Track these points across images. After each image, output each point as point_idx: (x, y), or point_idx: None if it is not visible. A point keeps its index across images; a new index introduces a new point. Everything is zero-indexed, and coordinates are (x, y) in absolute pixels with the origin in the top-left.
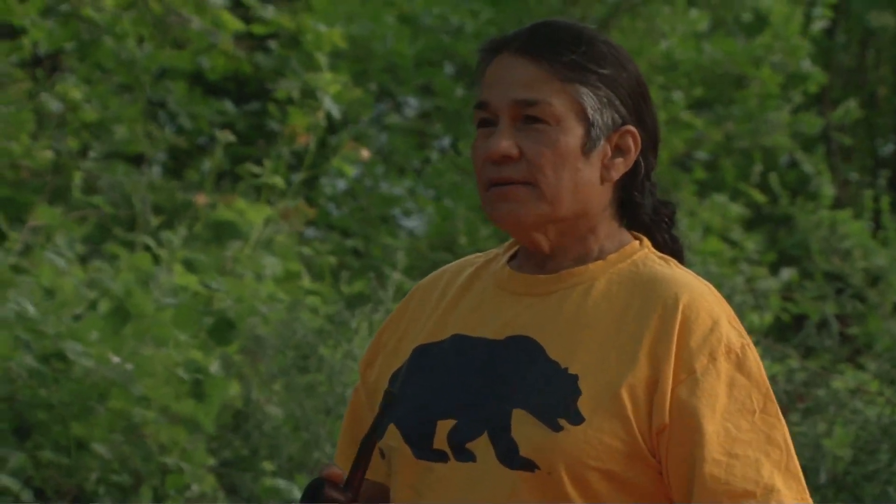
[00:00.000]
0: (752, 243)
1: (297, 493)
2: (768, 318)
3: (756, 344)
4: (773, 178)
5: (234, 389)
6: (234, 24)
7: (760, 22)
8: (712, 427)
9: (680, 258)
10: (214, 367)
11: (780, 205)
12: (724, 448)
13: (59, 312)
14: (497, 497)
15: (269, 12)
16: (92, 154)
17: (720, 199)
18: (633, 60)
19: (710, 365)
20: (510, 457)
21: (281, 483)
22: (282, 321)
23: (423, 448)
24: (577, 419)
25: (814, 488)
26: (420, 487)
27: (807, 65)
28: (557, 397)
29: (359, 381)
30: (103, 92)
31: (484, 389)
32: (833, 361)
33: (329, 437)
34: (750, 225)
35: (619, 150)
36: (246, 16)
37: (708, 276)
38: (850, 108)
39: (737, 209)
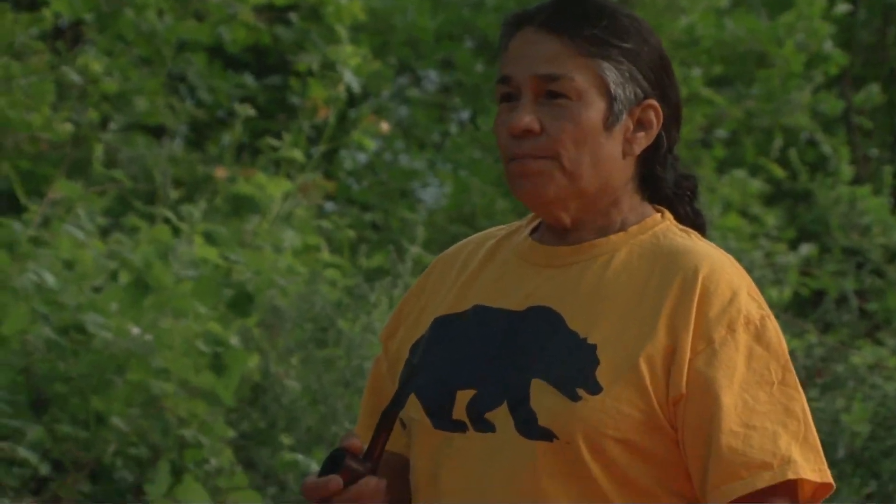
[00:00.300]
0: (771, 218)
1: (315, 467)
2: (787, 293)
3: (775, 318)
4: (793, 154)
5: (253, 362)
6: None
7: (782, 2)
8: (730, 398)
9: (702, 231)
10: (234, 339)
11: (800, 181)
12: (741, 419)
13: (79, 284)
14: (516, 467)
15: None
16: (112, 126)
17: (740, 174)
18: (655, 34)
19: (729, 336)
20: (529, 427)
21: (299, 457)
22: (300, 294)
23: (442, 418)
24: (595, 389)
25: (832, 463)
26: (438, 457)
27: (828, 46)
28: (576, 367)
29: (380, 352)
30: (124, 64)
31: (504, 360)
32: (852, 337)
33: (347, 411)
34: (769, 201)
35: (641, 124)
36: None
37: (727, 251)
38: (873, 92)
39: (756, 185)
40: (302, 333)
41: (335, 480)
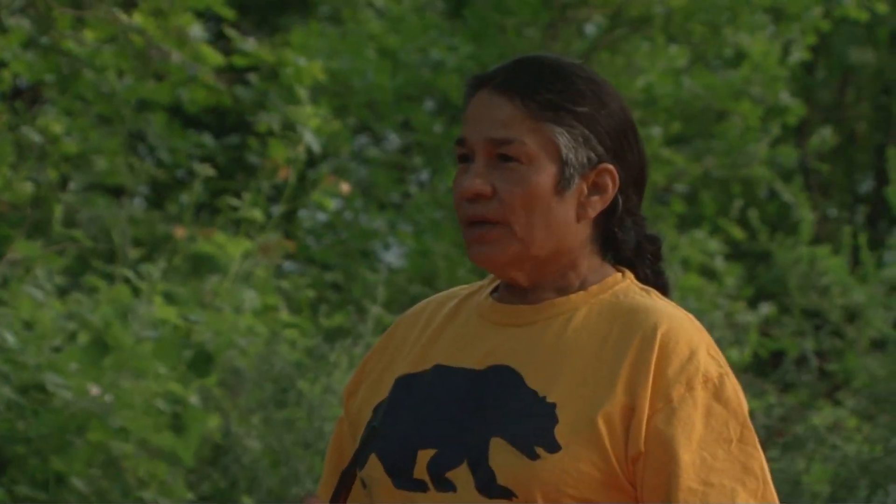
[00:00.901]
0: (731, 278)
1: None
2: (747, 353)
3: (735, 378)
4: (753, 214)
5: (214, 422)
6: (215, 57)
7: (739, 57)
8: (688, 456)
9: (665, 293)
10: (194, 399)
11: (759, 240)
12: (699, 477)
13: (39, 344)
14: None
15: (250, 45)
16: (72, 186)
17: (699, 234)
18: (618, 95)
19: (687, 394)
20: (488, 486)
21: None
22: (260, 354)
23: (403, 478)
24: (553, 447)
25: None
26: None
27: (785, 97)
28: (535, 426)
29: (342, 412)
30: (83, 124)
31: (464, 419)
32: (811, 397)
33: (308, 471)
34: (728, 259)
35: (597, 188)
36: (227, 48)
37: (688, 311)
38: (826, 136)
39: (715, 245)
40: (262, 394)
41: None
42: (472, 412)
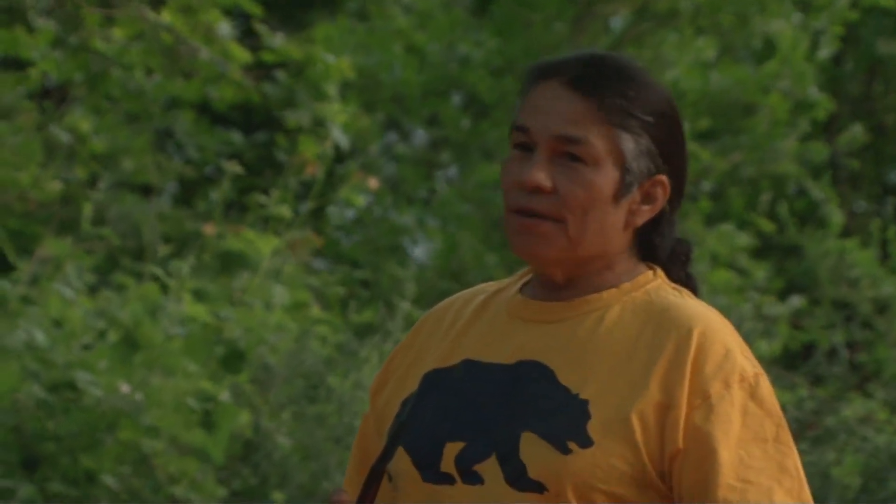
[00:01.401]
0: (760, 272)
1: None
2: (777, 345)
3: (765, 372)
4: (782, 207)
5: (244, 419)
6: (243, 54)
7: (767, 49)
8: (727, 453)
9: (695, 294)
10: (224, 396)
11: (788, 234)
12: (738, 474)
13: (68, 342)
14: None
15: (278, 41)
16: (101, 185)
17: (727, 228)
18: (675, 105)
19: (725, 391)
20: (519, 479)
21: None
22: (290, 351)
23: (430, 471)
24: (586, 442)
25: None
26: None
27: (814, 92)
28: (567, 421)
29: (368, 408)
30: (112, 123)
31: (493, 413)
32: (842, 390)
33: (338, 466)
34: (757, 254)
35: (648, 197)
36: (254, 45)
37: (716, 306)
38: (857, 133)
39: (744, 238)
40: (292, 390)
41: None
42: (502, 406)
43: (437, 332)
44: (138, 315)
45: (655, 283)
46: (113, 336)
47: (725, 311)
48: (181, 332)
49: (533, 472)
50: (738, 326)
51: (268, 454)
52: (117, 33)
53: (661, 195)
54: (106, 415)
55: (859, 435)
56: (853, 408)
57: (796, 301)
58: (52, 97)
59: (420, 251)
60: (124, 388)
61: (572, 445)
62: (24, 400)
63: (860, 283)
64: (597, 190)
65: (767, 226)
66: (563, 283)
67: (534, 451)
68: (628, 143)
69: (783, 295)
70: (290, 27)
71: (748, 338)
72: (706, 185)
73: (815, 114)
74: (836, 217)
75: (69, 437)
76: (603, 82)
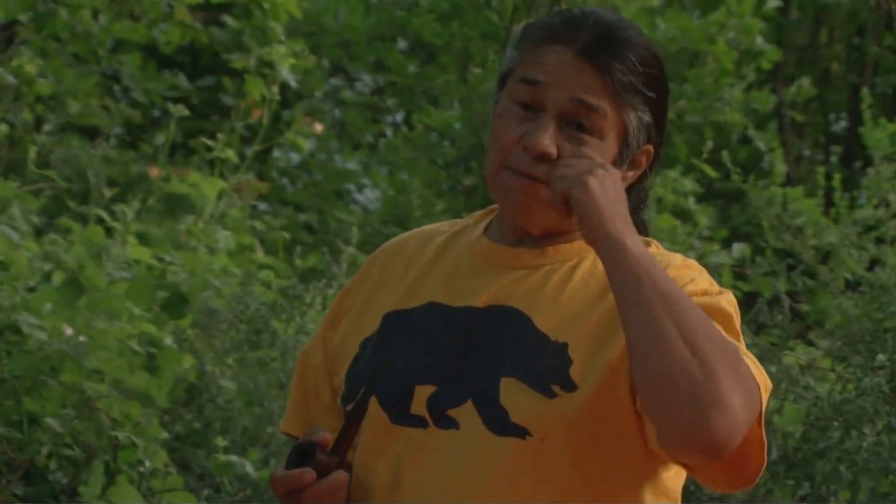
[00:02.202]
0: (704, 218)
1: (250, 469)
2: None
3: None
4: (725, 155)
5: (188, 363)
6: None
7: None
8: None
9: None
10: (168, 340)
11: (732, 181)
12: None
13: (13, 285)
14: (484, 463)
15: None
16: (46, 127)
17: (672, 174)
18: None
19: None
20: (500, 424)
21: (234, 458)
22: (235, 295)
23: (400, 414)
24: (570, 386)
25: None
26: (399, 452)
27: (760, 42)
28: (549, 366)
29: (308, 345)
30: (58, 65)
31: (466, 357)
32: (784, 338)
33: (282, 411)
34: (701, 201)
35: (634, 164)
36: None
37: None
38: (803, 85)
39: (689, 184)
40: (237, 335)
41: (309, 473)
42: (476, 351)
43: (392, 271)
44: (83, 258)
45: None
46: (57, 279)
47: None
48: (126, 276)
49: (515, 417)
50: None
51: (211, 398)
52: None
53: (645, 162)
54: (49, 358)
55: (801, 384)
56: (795, 356)
57: (739, 250)
58: None
59: (365, 197)
60: (68, 331)
61: (556, 389)
62: None
63: (804, 232)
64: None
65: (712, 172)
66: (537, 235)
67: (516, 396)
68: (633, 120)
69: (727, 243)
70: None
71: None
72: None
73: (761, 63)
74: (780, 166)
75: (12, 380)
76: (611, 56)
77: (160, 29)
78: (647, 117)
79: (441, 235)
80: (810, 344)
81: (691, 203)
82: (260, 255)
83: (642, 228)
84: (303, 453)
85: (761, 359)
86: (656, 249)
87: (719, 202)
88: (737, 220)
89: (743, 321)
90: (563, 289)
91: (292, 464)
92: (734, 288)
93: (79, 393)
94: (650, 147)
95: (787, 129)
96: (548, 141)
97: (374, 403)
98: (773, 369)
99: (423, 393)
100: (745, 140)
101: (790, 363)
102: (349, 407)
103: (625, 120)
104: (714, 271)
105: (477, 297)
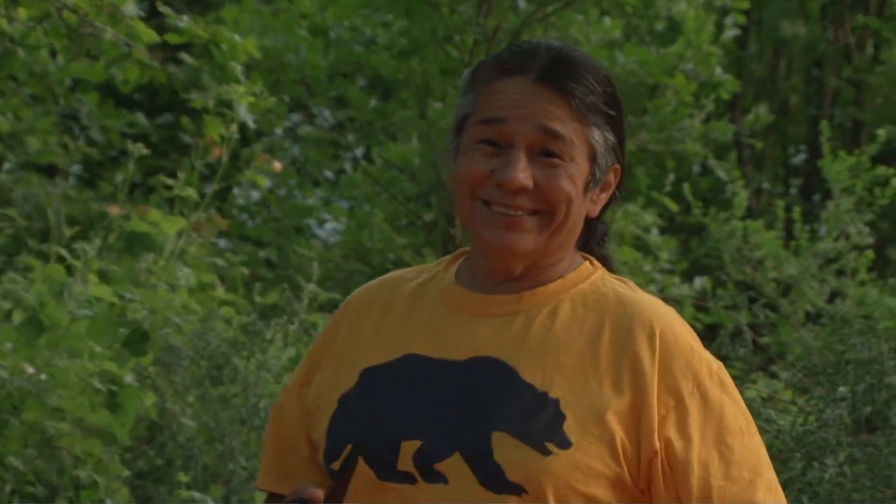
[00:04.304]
0: (665, 252)
1: None
2: None
3: None
4: (686, 188)
5: (149, 400)
6: (149, 34)
7: (673, 32)
8: (704, 451)
9: (611, 271)
10: (129, 378)
11: (693, 214)
12: (720, 472)
13: None
14: None
15: (185, 22)
16: (6, 166)
17: (633, 207)
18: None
19: (696, 389)
20: (496, 481)
21: (196, 495)
22: (195, 332)
23: (387, 470)
24: (564, 443)
25: None
26: None
27: (719, 72)
28: (542, 421)
29: (281, 399)
30: (16, 104)
31: (451, 411)
32: (746, 371)
33: (243, 448)
34: (663, 233)
35: (604, 185)
36: (160, 27)
37: None
38: (761, 113)
39: (650, 217)
40: (197, 371)
41: None
42: (463, 405)
43: (363, 325)
44: (43, 296)
45: (598, 274)
46: (18, 317)
47: None
48: (87, 314)
49: (511, 475)
50: None
51: (173, 436)
52: (22, 13)
53: (613, 182)
54: (11, 396)
55: (763, 416)
56: (757, 389)
57: (700, 283)
58: None
59: (326, 232)
60: (29, 369)
61: (551, 447)
62: None
63: (764, 265)
64: (575, 185)
65: (673, 206)
66: (517, 275)
67: (510, 452)
68: (598, 139)
69: (688, 276)
70: (195, 9)
71: None
72: None
73: (721, 93)
74: (741, 197)
75: None
76: (570, 78)
77: (119, 66)
78: (611, 137)
79: (409, 283)
80: (772, 376)
81: (654, 235)
82: (220, 291)
83: (606, 262)
84: None
85: None
86: (630, 289)
87: (680, 235)
88: (697, 252)
89: None
90: (546, 336)
91: None
92: (695, 320)
93: (40, 431)
94: (618, 167)
95: (746, 161)
96: (522, 175)
97: (359, 461)
98: None
99: (409, 448)
100: (706, 171)
101: (752, 396)
102: (334, 465)
103: (590, 140)
104: (675, 304)
105: (457, 349)
